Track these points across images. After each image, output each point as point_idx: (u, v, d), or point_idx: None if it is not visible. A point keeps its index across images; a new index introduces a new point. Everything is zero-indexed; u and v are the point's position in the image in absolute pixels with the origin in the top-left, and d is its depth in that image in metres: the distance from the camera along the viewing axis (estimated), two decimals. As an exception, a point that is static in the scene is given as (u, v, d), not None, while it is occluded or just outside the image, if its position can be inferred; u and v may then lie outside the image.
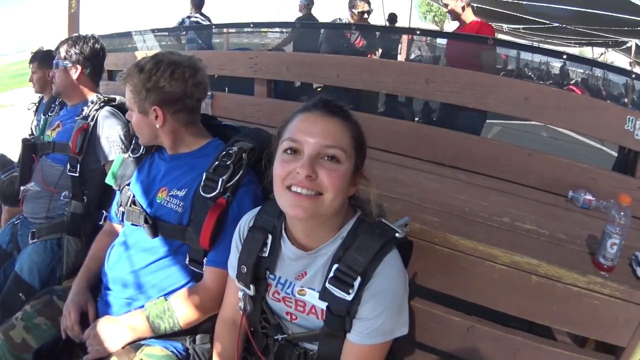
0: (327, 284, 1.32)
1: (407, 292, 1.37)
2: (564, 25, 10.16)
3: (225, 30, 5.66)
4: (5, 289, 2.35)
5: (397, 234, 1.35)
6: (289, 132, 1.31)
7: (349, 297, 1.29)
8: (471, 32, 4.34)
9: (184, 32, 6.07)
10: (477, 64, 3.53)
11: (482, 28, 4.35)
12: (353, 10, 5.30)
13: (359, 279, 1.28)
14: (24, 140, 2.64)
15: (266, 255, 1.45)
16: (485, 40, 3.49)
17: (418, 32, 4.21)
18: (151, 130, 1.81)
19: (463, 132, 2.97)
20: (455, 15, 4.49)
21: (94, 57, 2.62)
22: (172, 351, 1.68)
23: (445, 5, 4.58)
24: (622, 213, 1.64)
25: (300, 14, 7.19)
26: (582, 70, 12.71)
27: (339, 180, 1.26)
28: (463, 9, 4.44)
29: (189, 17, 6.66)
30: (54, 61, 2.60)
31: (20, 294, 2.25)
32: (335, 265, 1.32)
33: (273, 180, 1.32)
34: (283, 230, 1.44)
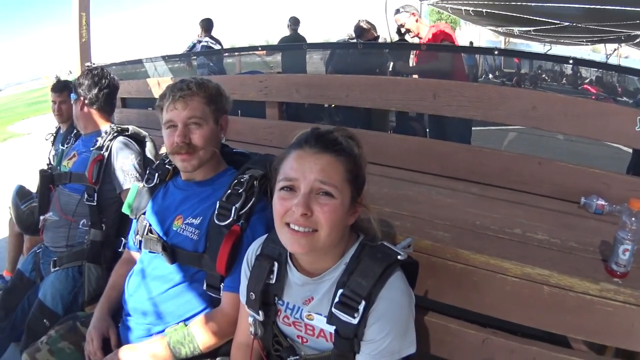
0: (333, 309, 1.35)
1: (413, 312, 1.39)
2: (574, 24, 10.06)
3: (236, 53, 5.71)
4: (30, 315, 2.41)
5: (399, 257, 1.37)
6: (285, 170, 1.34)
7: (355, 321, 1.31)
8: (437, 41, 4.47)
9: (195, 57, 6.12)
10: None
11: (446, 37, 4.51)
12: (359, 39, 5.37)
13: (363, 302, 1.31)
14: (42, 172, 2.73)
15: (273, 282, 1.48)
16: (492, 51, 3.49)
17: (423, 48, 4.21)
18: (216, 144, 1.88)
19: (452, 139, 2.98)
20: (413, 33, 4.68)
21: (95, 89, 2.69)
22: (193, 375, 1.71)
23: (402, 26, 4.68)
24: (633, 219, 1.63)
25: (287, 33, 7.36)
26: (595, 69, 12.57)
27: (333, 214, 1.29)
28: (417, 22, 4.65)
29: (199, 42, 6.71)
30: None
31: (45, 320, 2.30)
32: (340, 291, 1.35)
33: (273, 214, 1.36)
34: (288, 258, 1.48)
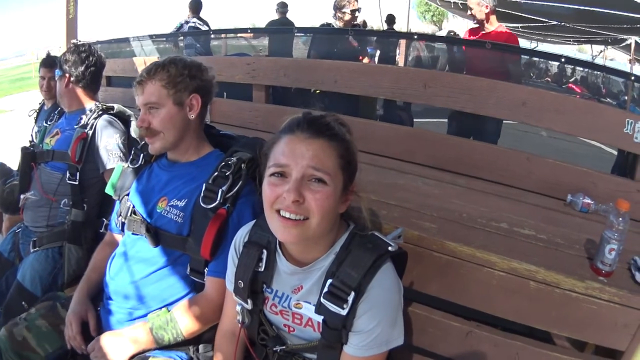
0: (322, 299, 1.33)
1: (402, 304, 1.38)
2: (562, 23, 10.16)
3: (223, 35, 5.64)
4: (8, 297, 2.37)
5: (390, 247, 1.35)
6: (275, 156, 1.31)
7: (344, 312, 1.29)
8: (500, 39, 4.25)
9: (182, 37, 6.06)
10: (502, 74, 3.51)
11: (510, 40, 4.29)
12: (343, 10, 5.00)
13: (352, 293, 1.29)
14: (23, 149, 2.65)
15: (262, 270, 1.45)
16: (483, 44, 3.47)
17: (415, 37, 4.18)
18: (182, 125, 1.81)
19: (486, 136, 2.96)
20: (477, 21, 4.47)
21: (81, 66, 2.63)
22: (176, 361, 1.69)
23: (470, 9, 4.50)
24: (620, 219, 1.65)
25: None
26: (581, 69, 12.72)
27: (325, 202, 1.26)
28: (487, 16, 4.35)
29: (187, 22, 6.64)
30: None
31: (23, 303, 2.26)
32: (329, 281, 1.33)
33: (263, 201, 1.33)
34: (277, 246, 1.45)
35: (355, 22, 5.18)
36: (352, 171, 1.36)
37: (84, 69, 2.62)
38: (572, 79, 13.42)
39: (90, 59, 2.65)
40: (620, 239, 1.64)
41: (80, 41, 2.75)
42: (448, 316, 1.84)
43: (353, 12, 5.02)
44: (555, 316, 1.69)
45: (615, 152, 3.31)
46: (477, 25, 4.51)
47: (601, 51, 16.91)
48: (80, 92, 2.66)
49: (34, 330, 1.85)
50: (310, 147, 1.27)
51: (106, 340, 1.67)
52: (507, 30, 4.43)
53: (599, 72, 11.46)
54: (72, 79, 2.61)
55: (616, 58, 19.36)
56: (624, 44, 12.82)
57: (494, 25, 4.40)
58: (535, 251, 1.81)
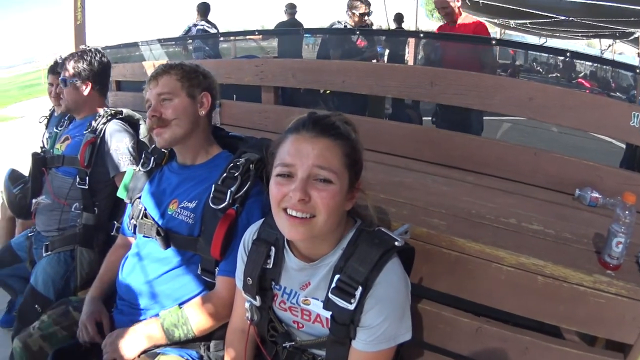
0: (329, 294, 1.35)
1: (409, 299, 1.39)
2: (570, 18, 10.10)
3: (231, 37, 5.66)
4: (22, 301, 2.41)
5: (396, 243, 1.36)
6: (281, 156, 1.33)
7: (351, 307, 1.31)
8: (467, 31, 4.38)
9: (191, 41, 6.09)
10: (476, 65, 3.54)
11: (478, 27, 4.40)
12: (353, 11, 5.23)
13: (360, 288, 1.30)
14: (34, 155, 2.69)
15: (270, 267, 1.47)
16: (489, 41, 3.47)
17: (421, 35, 4.19)
18: (193, 119, 1.85)
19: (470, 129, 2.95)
20: (452, 17, 4.53)
21: (103, 72, 2.66)
22: (187, 359, 1.70)
23: (445, 7, 4.55)
24: (626, 212, 1.63)
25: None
26: (590, 63, 12.61)
27: (331, 200, 1.27)
28: (459, 9, 4.51)
29: (195, 25, 6.67)
30: (61, 78, 2.63)
31: (36, 306, 2.29)
32: (337, 276, 1.34)
33: (270, 199, 1.34)
34: (285, 243, 1.47)
35: (365, 23, 5.32)
36: (357, 169, 1.38)
37: (106, 75, 2.70)
38: (582, 74, 13.30)
39: (108, 64, 2.72)
40: (627, 232, 1.63)
41: (88, 47, 2.77)
42: (458, 312, 1.85)
43: (362, 15, 5.23)
44: (563, 310, 1.68)
45: (624, 146, 3.30)
46: (446, 22, 4.67)
47: (610, 45, 16.78)
48: (98, 98, 2.70)
49: (50, 339, 1.86)
50: (316, 146, 1.29)
51: (118, 335, 1.70)
52: (474, 19, 4.54)
53: (608, 67, 11.38)
54: (96, 86, 2.65)
55: (625, 52, 19.21)
56: (632, 37, 12.73)
57: (461, 15, 4.56)
58: (543, 246, 1.80)
